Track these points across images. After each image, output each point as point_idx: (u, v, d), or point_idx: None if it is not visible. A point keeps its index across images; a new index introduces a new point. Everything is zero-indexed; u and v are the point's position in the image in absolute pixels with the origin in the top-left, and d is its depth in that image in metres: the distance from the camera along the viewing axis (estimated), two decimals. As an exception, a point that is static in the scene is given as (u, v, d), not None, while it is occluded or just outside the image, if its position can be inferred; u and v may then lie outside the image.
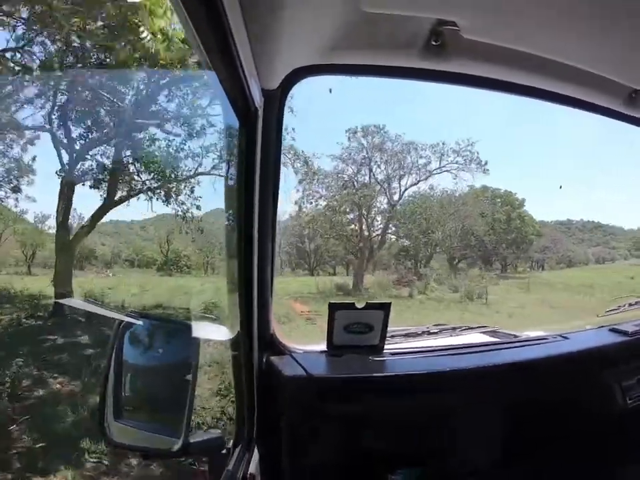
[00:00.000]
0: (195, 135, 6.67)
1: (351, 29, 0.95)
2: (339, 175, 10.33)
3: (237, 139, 1.05)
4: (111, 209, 6.81)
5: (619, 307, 1.74)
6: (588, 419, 1.42)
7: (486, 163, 10.20)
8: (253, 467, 1.06)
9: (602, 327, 1.64)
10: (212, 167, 6.79)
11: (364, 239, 10.66)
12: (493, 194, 11.65)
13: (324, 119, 11.90)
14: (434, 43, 0.99)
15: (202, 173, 6.84)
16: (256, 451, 1.12)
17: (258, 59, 0.89)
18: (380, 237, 11.02)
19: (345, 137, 10.29)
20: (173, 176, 6.78)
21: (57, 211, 6.57)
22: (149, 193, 6.78)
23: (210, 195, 6.57)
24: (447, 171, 10.39)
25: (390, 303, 1.25)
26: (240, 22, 0.74)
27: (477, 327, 1.66)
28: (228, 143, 1.13)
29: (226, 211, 1.21)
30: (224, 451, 1.03)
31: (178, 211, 6.80)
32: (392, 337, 1.41)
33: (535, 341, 1.54)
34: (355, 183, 10.41)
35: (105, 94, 6.07)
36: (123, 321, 0.94)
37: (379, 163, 10.50)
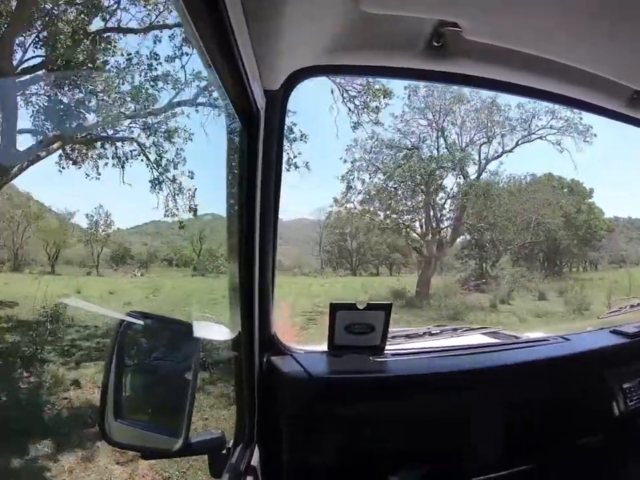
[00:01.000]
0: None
1: (353, 29, 0.95)
2: (400, 142, 8.03)
3: (238, 139, 1.05)
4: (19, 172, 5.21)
5: (621, 308, 1.74)
6: (588, 420, 1.42)
7: (589, 129, 7.93)
8: (254, 464, 1.06)
9: (603, 328, 1.64)
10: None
11: (432, 231, 8.50)
12: (560, 182, 9.76)
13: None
14: (435, 44, 0.99)
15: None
16: (257, 450, 1.12)
17: (260, 60, 0.90)
18: (452, 228, 8.67)
19: (405, 94, 8.12)
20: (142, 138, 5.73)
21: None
22: (115, 154, 5.59)
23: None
24: (539, 137, 8.19)
25: (391, 304, 1.24)
26: (242, 23, 0.74)
27: (478, 328, 1.66)
28: (229, 144, 1.13)
29: (227, 211, 1.21)
30: (224, 451, 1.03)
31: (161, 188, 5.94)
32: (393, 337, 1.41)
33: (536, 342, 1.54)
34: (420, 154, 8.14)
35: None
36: (124, 320, 0.94)
37: (449, 128, 8.29)
